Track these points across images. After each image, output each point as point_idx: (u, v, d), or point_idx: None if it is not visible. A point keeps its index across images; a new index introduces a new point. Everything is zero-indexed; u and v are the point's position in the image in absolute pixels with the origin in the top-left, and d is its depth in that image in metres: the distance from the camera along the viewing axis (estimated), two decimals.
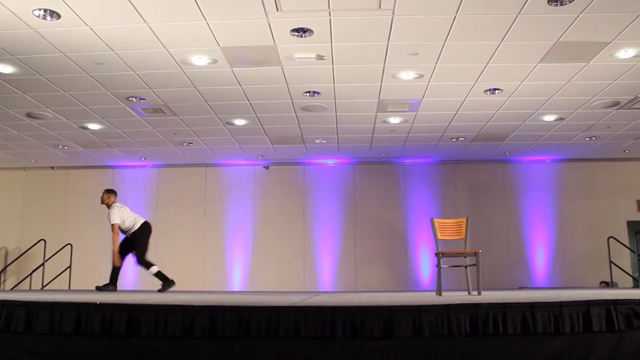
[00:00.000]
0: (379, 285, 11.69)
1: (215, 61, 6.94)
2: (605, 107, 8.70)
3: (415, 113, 8.98)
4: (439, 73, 7.32)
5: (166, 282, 8.00)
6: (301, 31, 6.12)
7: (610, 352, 3.75)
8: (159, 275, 8.03)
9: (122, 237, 8.29)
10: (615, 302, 3.81)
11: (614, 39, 6.33)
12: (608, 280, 11.16)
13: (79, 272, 11.79)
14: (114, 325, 3.72)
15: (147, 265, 8.07)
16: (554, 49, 6.58)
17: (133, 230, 8.19)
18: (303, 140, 10.56)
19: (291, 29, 6.08)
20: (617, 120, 9.32)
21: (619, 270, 11.12)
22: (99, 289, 8.17)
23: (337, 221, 12.20)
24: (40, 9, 5.62)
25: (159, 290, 7.97)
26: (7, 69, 7.11)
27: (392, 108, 8.73)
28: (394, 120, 9.34)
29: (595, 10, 5.63)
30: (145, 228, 8.26)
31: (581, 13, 5.71)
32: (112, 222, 8.11)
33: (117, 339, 3.72)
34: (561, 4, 5.51)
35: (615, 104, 8.54)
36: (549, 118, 9.25)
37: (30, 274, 11.51)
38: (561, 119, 9.29)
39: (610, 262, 11.06)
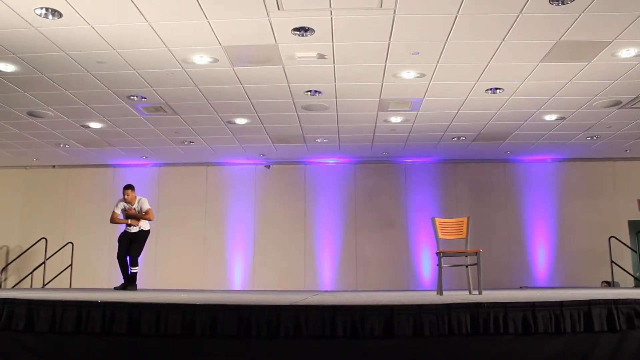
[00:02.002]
0: (380, 284, 11.69)
1: (216, 60, 6.94)
2: (607, 107, 8.70)
3: (416, 112, 8.97)
4: (440, 72, 7.32)
5: (132, 285, 8.31)
6: (302, 30, 6.12)
7: (611, 351, 3.75)
8: (135, 276, 8.34)
9: (121, 228, 8.58)
10: (616, 302, 3.81)
11: (615, 38, 6.32)
12: (609, 280, 11.15)
13: (79, 271, 11.81)
14: (115, 323, 3.72)
15: (137, 264, 8.39)
16: (556, 48, 6.57)
17: (145, 228, 8.43)
18: (304, 139, 10.56)
19: (292, 28, 6.08)
20: (618, 119, 9.31)
21: (621, 270, 11.11)
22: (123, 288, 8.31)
23: (338, 220, 12.20)
24: (42, 8, 5.62)
25: (118, 288, 8.30)
26: (8, 67, 7.11)
27: (393, 107, 8.73)
28: (395, 119, 9.33)
29: (597, 9, 5.62)
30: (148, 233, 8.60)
31: (582, 12, 5.70)
32: (150, 210, 8.45)
33: (118, 338, 3.72)
34: (562, 3, 5.51)
35: (617, 103, 8.53)
36: (550, 117, 9.24)
37: (32, 273, 11.53)
38: (562, 118, 9.28)
39: (612, 261, 11.05)
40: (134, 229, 8.36)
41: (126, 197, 8.35)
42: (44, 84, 7.70)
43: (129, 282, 8.32)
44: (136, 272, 8.38)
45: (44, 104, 8.51)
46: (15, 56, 6.78)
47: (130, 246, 8.34)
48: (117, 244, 8.48)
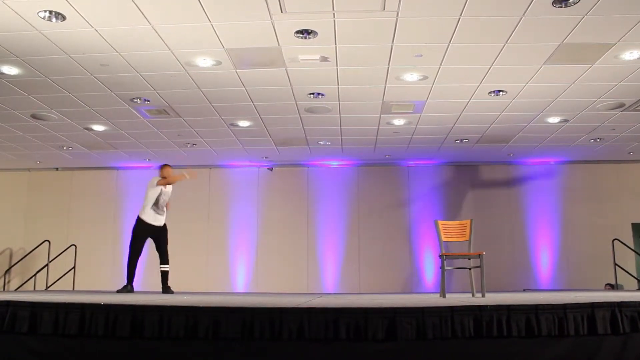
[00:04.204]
0: (383, 287, 11.68)
1: (219, 63, 6.95)
2: (610, 109, 8.68)
3: (419, 115, 8.97)
4: (443, 75, 7.32)
5: (168, 288, 7.78)
6: (305, 33, 6.13)
7: (615, 354, 3.74)
8: (167, 275, 7.84)
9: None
10: (620, 305, 3.80)
11: (618, 41, 6.31)
12: (613, 282, 11.12)
13: (83, 273, 11.83)
14: (118, 326, 3.72)
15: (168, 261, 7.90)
16: (559, 50, 6.56)
17: (164, 221, 7.93)
18: (307, 141, 10.57)
19: (295, 30, 6.08)
20: (621, 122, 9.29)
21: (624, 272, 11.08)
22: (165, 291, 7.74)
23: (340, 223, 12.20)
24: (45, 11, 5.64)
25: (167, 291, 7.77)
26: (12, 70, 7.13)
27: (396, 110, 8.73)
28: (398, 121, 9.33)
29: (600, 11, 5.62)
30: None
31: (586, 14, 5.69)
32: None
33: (121, 340, 3.72)
34: (566, 6, 5.50)
35: (620, 105, 8.52)
36: (554, 120, 9.23)
37: (35, 275, 11.55)
38: (565, 120, 9.27)
39: (615, 264, 11.02)
40: (161, 222, 7.81)
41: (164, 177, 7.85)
42: (47, 87, 7.72)
43: (164, 284, 7.73)
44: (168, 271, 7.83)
45: (47, 106, 8.53)
46: (19, 59, 6.80)
47: (157, 243, 7.82)
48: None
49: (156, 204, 7.85)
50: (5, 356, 3.84)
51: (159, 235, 7.86)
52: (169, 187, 8.01)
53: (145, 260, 11.95)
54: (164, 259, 7.86)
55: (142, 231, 7.77)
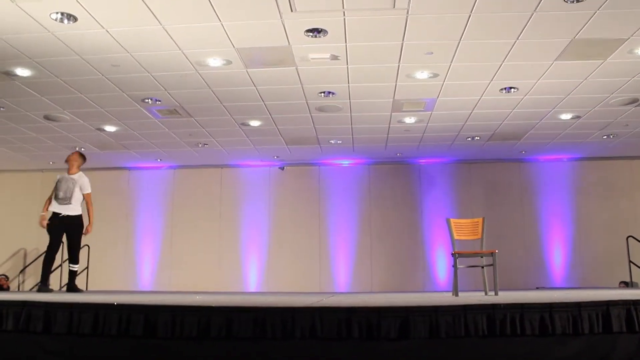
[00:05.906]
0: (395, 285, 11.66)
1: (229, 62, 6.96)
2: (623, 105, 8.60)
3: (430, 112, 8.94)
4: (454, 72, 7.28)
5: (74, 286, 7.69)
6: (315, 31, 6.12)
7: (631, 353, 3.70)
8: (74, 275, 7.71)
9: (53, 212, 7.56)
10: (635, 302, 3.76)
11: (631, 36, 6.25)
12: (627, 280, 11.02)
13: (96, 273, 11.89)
14: (131, 326, 3.74)
15: (78, 260, 7.83)
16: (570, 46, 6.51)
17: (78, 212, 7.77)
18: (318, 140, 10.56)
19: (305, 29, 6.08)
20: (635, 117, 9.20)
21: (639, 270, 10.98)
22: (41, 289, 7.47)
23: (352, 222, 12.18)
24: (57, 13, 5.68)
25: (70, 289, 7.68)
26: (25, 72, 7.19)
27: (407, 108, 8.70)
28: (409, 120, 9.30)
29: (612, 6, 5.56)
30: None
31: (598, 10, 5.64)
32: (89, 192, 7.80)
33: (134, 340, 3.74)
34: (577, 1, 5.45)
35: (634, 101, 8.43)
36: (566, 116, 9.16)
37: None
38: (578, 117, 9.20)
39: (630, 261, 10.92)
40: (67, 212, 7.56)
41: (72, 162, 7.79)
42: (59, 88, 7.77)
43: (70, 283, 7.68)
44: (76, 271, 7.70)
45: (59, 107, 8.59)
46: (31, 61, 6.86)
47: (67, 237, 7.66)
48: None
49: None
50: (20, 355, 3.88)
51: (68, 229, 7.73)
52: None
53: (158, 258, 12.05)
54: (72, 258, 7.78)
55: (52, 224, 7.64)
